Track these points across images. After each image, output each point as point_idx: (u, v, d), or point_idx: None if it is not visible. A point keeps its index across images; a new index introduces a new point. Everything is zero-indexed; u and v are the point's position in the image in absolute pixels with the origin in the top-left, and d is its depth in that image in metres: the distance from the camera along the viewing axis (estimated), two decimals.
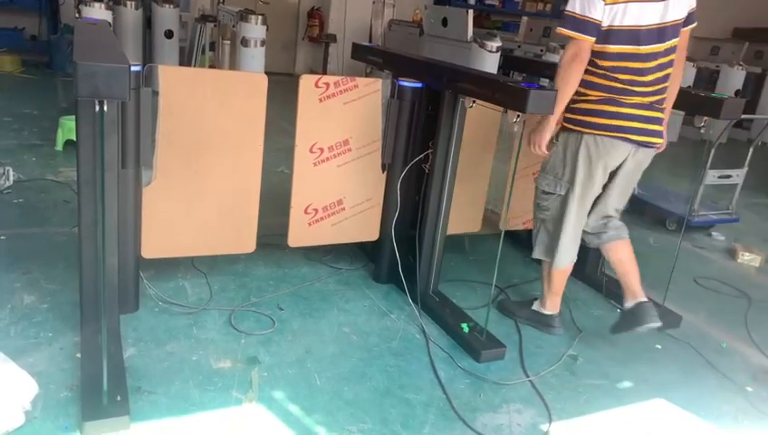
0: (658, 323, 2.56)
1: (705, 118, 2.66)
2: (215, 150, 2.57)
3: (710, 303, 3.32)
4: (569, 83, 2.33)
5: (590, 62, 2.35)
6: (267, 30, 5.60)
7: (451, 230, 2.91)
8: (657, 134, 2.47)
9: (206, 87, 2.50)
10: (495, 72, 5.38)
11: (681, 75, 2.55)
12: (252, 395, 2.15)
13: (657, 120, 2.45)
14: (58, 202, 3.62)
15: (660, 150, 2.58)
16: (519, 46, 7.66)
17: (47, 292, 2.62)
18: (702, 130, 2.70)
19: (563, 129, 2.51)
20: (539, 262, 2.78)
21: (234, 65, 6.11)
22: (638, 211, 4.51)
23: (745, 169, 4.33)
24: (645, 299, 2.61)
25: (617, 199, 2.65)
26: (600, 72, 2.38)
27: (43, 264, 2.84)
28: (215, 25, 7.30)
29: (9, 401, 1.86)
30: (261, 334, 2.51)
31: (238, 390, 2.17)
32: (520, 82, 2.26)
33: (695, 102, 2.74)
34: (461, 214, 3.04)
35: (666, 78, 2.43)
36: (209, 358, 2.32)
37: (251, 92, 2.56)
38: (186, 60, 7.46)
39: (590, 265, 3.32)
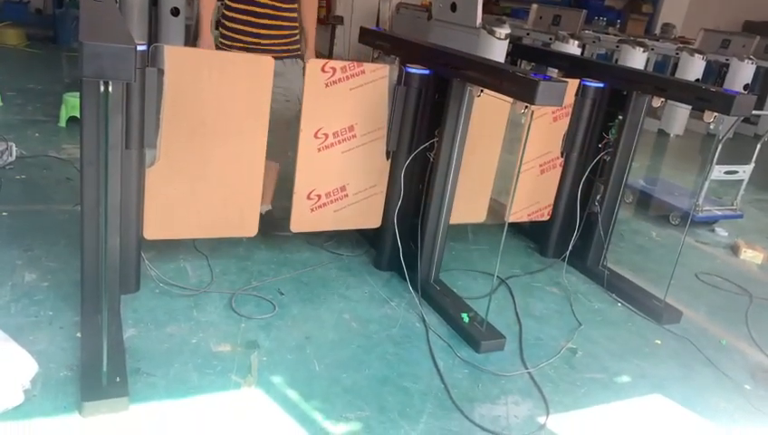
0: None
1: (715, 114, 2.63)
2: (219, 133, 2.56)
3: (711, 299, 3.31)
4: None
5: None
6: None
7: (455, 220, 2.90)
8: None
9: (211, 69, 2.48)
10: (503, 60, 5.33)
11: None
12: (251, 379, 2.16)
13: None
14: (60, 179, 3.61)
15: None
16: (528, 34, 7.57)
17: (48, 270, 2.62)
18: (711, 126, 2.66)
19: None
20: None
21: None
22: (643, 204, 4.50)
23: (752, 165, 4.30)
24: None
25: None
26: None
27: (44, 241, 2.84)
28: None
29: (9, 379, 1.86)
30: (261, 319, 2.51)
31: (237, 374, 2.17)
32: (530, 73, 2.23)
33: (704, 98, 2.71)
34: (466, 204, 3.02)
35: None
36: (209, 341, 2.32)
37: (257, 75, 2.54)
38: (192, 38, 7.39)
39: (591, 259, 3.31)
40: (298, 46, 3.19)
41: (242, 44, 3.00)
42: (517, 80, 2.23)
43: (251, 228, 2.76)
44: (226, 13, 3.05)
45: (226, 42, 3.06)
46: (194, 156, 2.55)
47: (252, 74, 2.54)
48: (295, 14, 3.12)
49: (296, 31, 3.14)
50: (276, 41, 3.06)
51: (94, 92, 1.94)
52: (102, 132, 1.93)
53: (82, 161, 2.13)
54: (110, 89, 1.66)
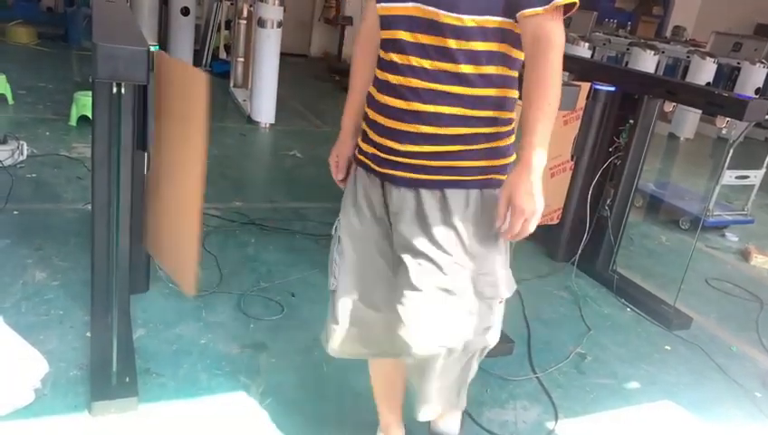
0: None
1: (728, 119, 2.61)
2: None
3: (721, 305, 3.29)
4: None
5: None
6: (284, 11, 5.56)
7: None
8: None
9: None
10: None
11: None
12: (259, 381, 2.16)
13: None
14: (71, 178, 3.62)
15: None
16: None
17: (58, 269, 2.63)
18: (724, 132, 2.65)
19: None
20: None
21: (249, 45, 6.07)
22: (653, 208, 4.48)
23: (763, 170, 4.27)
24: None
25: None
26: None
27: (55, 240, 2.85)
28: (231, 4, 7.25)
29: (19, 378, 1.87)
30: (269, 320, 2.51)
31: (246, 375, 2.17)
32: None
33: (717, 103, 2.69)
34: None
35: None
36: (218, 342, 2.32)
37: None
38: (201, 38, 7.42)
39: (601, 263, 3.30)
40: (505, 162, 1.45)
41: (366, 159, 1.49)
42: None
43: None
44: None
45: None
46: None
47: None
48: (495, 90, 1.38)
49: (507, 126, 1.44)
50: (451, 149, 1.38)
51: (106, 94, 1.94)
52: (114, 133, 1.94)
53: (94, 162, 2.14)
54: (123, 90, 1.66)
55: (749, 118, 2.55)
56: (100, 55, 1.50)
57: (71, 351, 2.14)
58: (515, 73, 1.41)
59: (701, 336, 2.89)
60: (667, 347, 2.78)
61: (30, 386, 1.88)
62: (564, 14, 1.33)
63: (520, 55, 1.39)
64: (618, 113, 3.18)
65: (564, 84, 2.12)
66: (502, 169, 1.44)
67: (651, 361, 2.65)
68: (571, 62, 3.77)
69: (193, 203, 1.87)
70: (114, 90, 1.65)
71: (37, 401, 1.88)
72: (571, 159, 3.30)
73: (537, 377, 2.41)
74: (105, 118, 2.01)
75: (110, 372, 1.94)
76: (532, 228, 1.33)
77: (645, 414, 2.32)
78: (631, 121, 3.12)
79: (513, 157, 1.43)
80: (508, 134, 1.45)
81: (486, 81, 1.36)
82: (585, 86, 3.07)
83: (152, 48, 2.05)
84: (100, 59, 1.50)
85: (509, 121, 1.43)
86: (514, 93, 1.42)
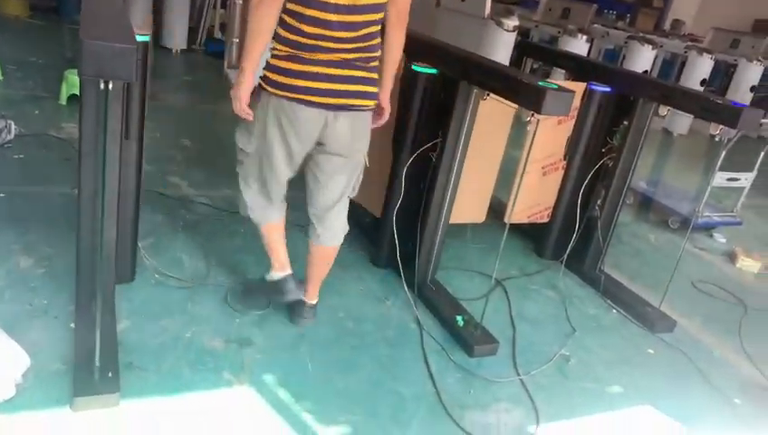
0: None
1: (721, 127, 2.60)
2: None
3: (705, 308, 3.31)
4: (256, 30, 2.08)
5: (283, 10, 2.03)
6: None
7: (455, 219, 2.88)
8: (360, 95, 2.13)
9: None
10: (510, 52, 5.27)
11: (402, 36, 2.20)
12: (243, 377, 2.16)
13: (358, 80, 2.11)
14: (59, 160, 3.57)
15: (381, 121, 2.33)
16: (536, 26, 7.48)
17: (44, 255, 2.60)
18: (717, 139, 2.65)
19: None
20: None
21: (245, 26, 5.98)
22: (643, 207, 4.49)
23: (754, 172, 4.28)
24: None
25: (328, 176, 2.28)
26: (288, 21, 2.04)
27: (41, 225, 2.81)
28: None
29: (1, 372, 1.85)
30: (256, 314, 2.50)
31: (230, 371, 2.17)
32: (536, 82, 2.20)
33: (711, 109, 2.68)
34: (466, 204, 3.00)
35: (371, 36, 2.08)
36: (203, 336, 2.31)
37: None
38: (196, 16, 7.32)
39: (588, 263, 3.31)
40: (376, 90, 2.23)
41: (295, 94, 2.09)
42: (525, 88, 2.20)
43: None
44: (278, 31, 2.11)
45: (270, 83, 2.13)
46: None
47: None
48: (379, 39, 2.16)
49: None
50: (356, 86, 2.13)
51: (94, 88, 1.91)
52: (102, 125, 1.91)
53: (81, 152, 2.10)
54: (111, 86, 1.63)
55: (742, 127, 2.55)
56: (86, 52, 1.46)
57: (54, 342, 2.12)
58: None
59: (684, 340, 2.92)
60: (650, 350, 2.80)
61: (11, 380, 1.87)
62: None
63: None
64: (612, 114, 3.16)
65: (558, 90, 2.10)
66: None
67: (634, 364, 2.67)
68: (567, 61, 3.76)
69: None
70: (102, 86, 1.62)
71: (18, 395, 1.86)
72: (564, 159, 3.29)
73: (521, 379, 2.42)
74: (93, 110, 1.97)
75: (93, 367, 1.93)
76: None
77: (625, 420, 2.34)
78: (625, 123, 3.10)
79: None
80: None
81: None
82: (580, 88, 3.05)
83: (140, 39, 2.02)
84: (85, 56, 1.46)
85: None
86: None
